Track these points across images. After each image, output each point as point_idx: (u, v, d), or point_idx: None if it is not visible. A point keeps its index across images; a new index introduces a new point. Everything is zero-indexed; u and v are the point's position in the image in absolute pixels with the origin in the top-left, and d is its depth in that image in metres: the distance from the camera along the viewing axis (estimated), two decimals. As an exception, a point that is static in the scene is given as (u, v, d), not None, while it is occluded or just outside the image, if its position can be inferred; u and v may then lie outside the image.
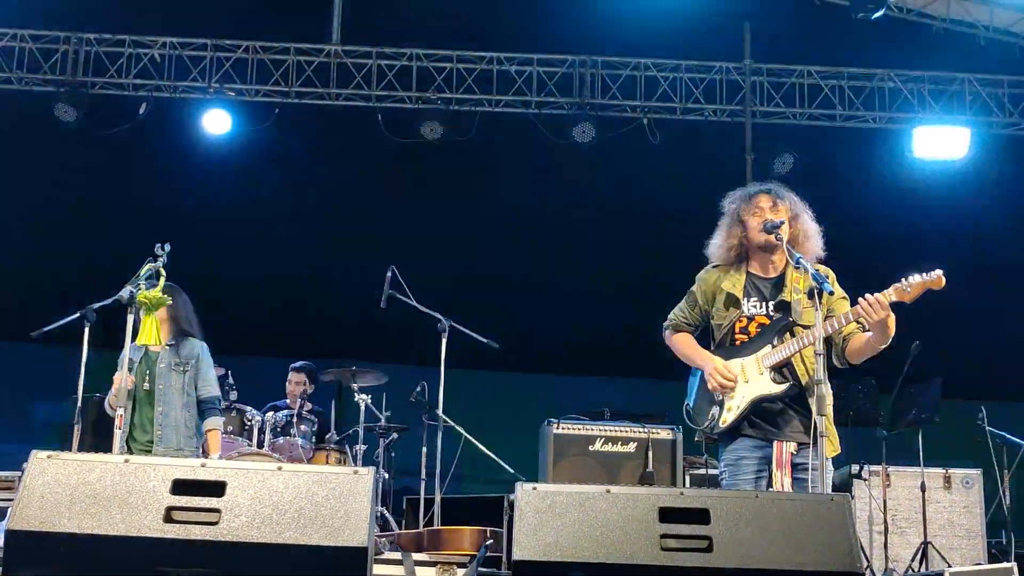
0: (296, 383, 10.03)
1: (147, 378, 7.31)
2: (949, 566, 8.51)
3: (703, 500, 3.82)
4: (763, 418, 5.28)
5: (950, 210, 12.81)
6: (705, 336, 5.66)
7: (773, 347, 5.30)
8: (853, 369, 5.59)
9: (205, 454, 7.49)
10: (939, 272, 5.14)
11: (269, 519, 3.64)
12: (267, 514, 3.65)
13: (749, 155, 12.88)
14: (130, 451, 7.06)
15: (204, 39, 12.75)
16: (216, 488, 3.70)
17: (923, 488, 9.26)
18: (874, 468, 9.58)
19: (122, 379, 6.22)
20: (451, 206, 13.17)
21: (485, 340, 8.65)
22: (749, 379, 5.28)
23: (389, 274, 8.70)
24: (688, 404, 5.55)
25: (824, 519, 3.80)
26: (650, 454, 8.21)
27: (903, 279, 5.18)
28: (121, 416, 5.88)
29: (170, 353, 7.42)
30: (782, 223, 5.38)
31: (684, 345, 5.63)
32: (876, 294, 5.13)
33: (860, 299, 5.16)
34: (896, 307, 5.16)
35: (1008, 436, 9.54)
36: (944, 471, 9.75)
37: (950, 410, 9.51)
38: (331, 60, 12.87)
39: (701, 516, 3.77)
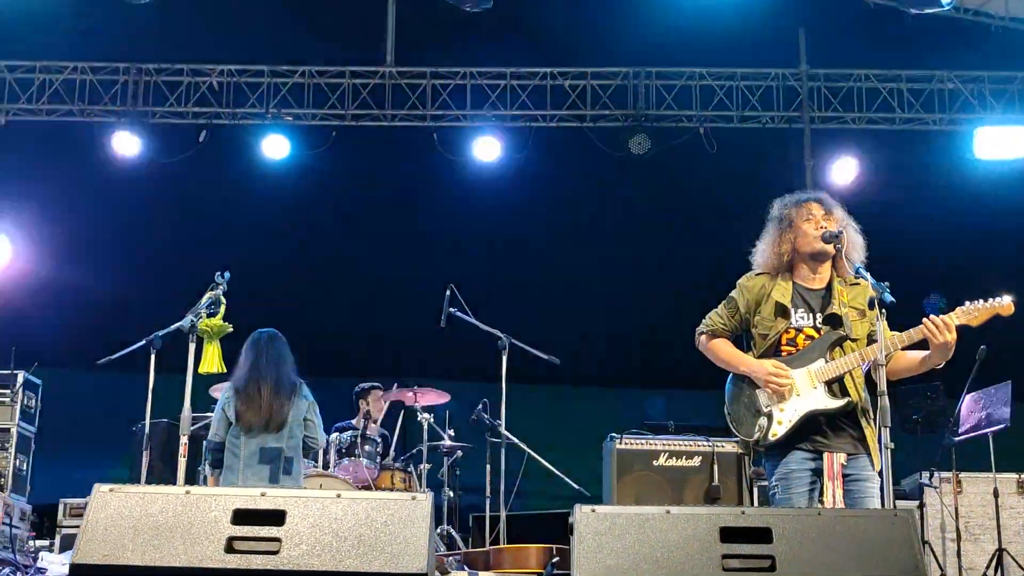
0: (376, 403, 10.07)
1: None
2: (1025, 574, 8.37)
3: (765, 519, 3.77)
4: (813, 431, 5.21)
5: (1014, 210, 12.60)
6: (738, 345, 5.57)
7: (827, 361, 5.22)
8: (921, 376, 5.51)
9: None
10: (1009, 299, 5.07)
11: (329, 547, 3.65)
12: (327, 542, 3.66)
13: (808, 161, 12.77)
14: None
15: (261, 65, 12.89)
16: (276, 517, 3.71)
17: (996, 494, 9.09)
18: (945, 475, 9.43)
19: (186, 408, 6.24)
20: (508, 222, 13.19)
21: (546, 357, 8.64)
22: (801, 392, 5.21)
23: (448, 292, 8.74)
24: (730, 416, 5.44)
25: (889, 534, 3.74)
26: (715, 468, 8.13)
27: (970, 303, 5.11)
28: (185, 444, 5.93)
29: None
30: (841, 233, 5.30)
31: (724, 351, 5.51)
32: (944, 316, 5.06)
33: (925, 319, 5.08)
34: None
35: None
36: (1018, 476, 9.58)
37: (1022, 414, 9.34)
38: (386, 82, 12.95)
39: (763, 535, 3.73)
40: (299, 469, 7.36)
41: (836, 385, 5.22)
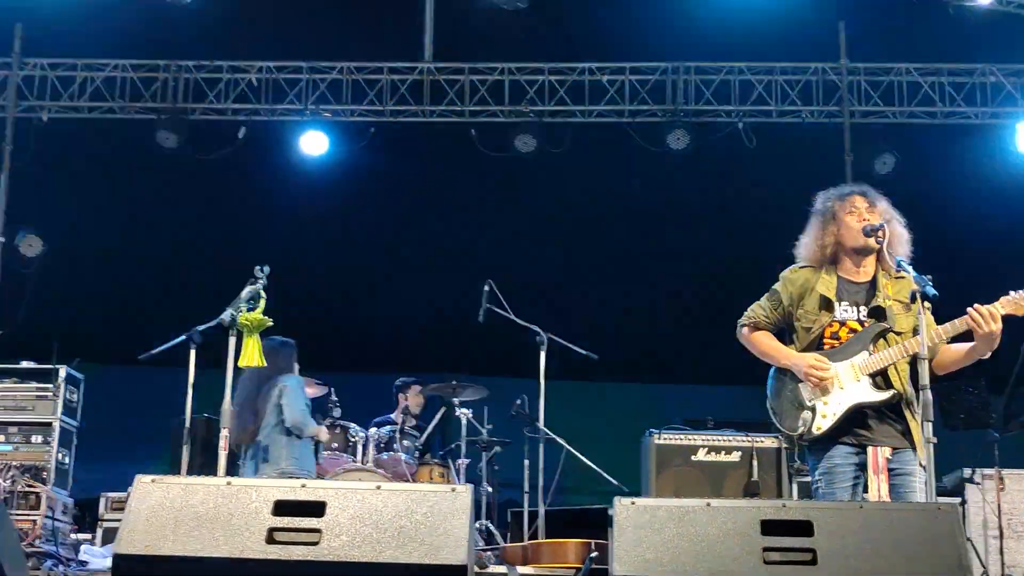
0: (415, 398, 10.12)
1: None
2: (1069, 571, 8.28)
3: (806, 512, 3.74)
4: (857, 424, 5.16)
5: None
6: (780, 338, 5.53)
7: (870, 354, 5.18)
8: (962, 371, 5.46)
9: None
10: None
11: (369, 538, 3.66)
12: (367, 533, 3.67)
13: (848, 156, 12.67)
14: None
15: (299, 62, 12.94)
16: (316, 508, 3.72)
17: (1039, 491, 9.01)
18: (987, 472, 9.34)
19: (226, 402, 6.27)
20: (548, 218, 13.18)
21: (584, 352, 8.63)
22: (845, 385, 5.17)
23: (487, 288, 8.74)
24: (773, 410, 5.40)
25: (932, 529, 3.71)
26: (755, 463, 8.11)
27: (1015, 292, 5.07)
28: (226, 438, 5.96)
29: None
30: (882, 226, 5.26)
31: (766, 343, 5.47)
32: (989, 306, 5.01)
33: (970, 309, 5.03)
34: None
35: None
36: (1061, 473, 9.48)
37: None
38: (424, 78, 12.97)
39: (804, 528, 3.70)
40: (277, 454, 7.99)
41: (880, 378, 5.18)
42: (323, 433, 8.60)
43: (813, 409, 5.21)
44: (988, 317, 4.99)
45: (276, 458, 7.94)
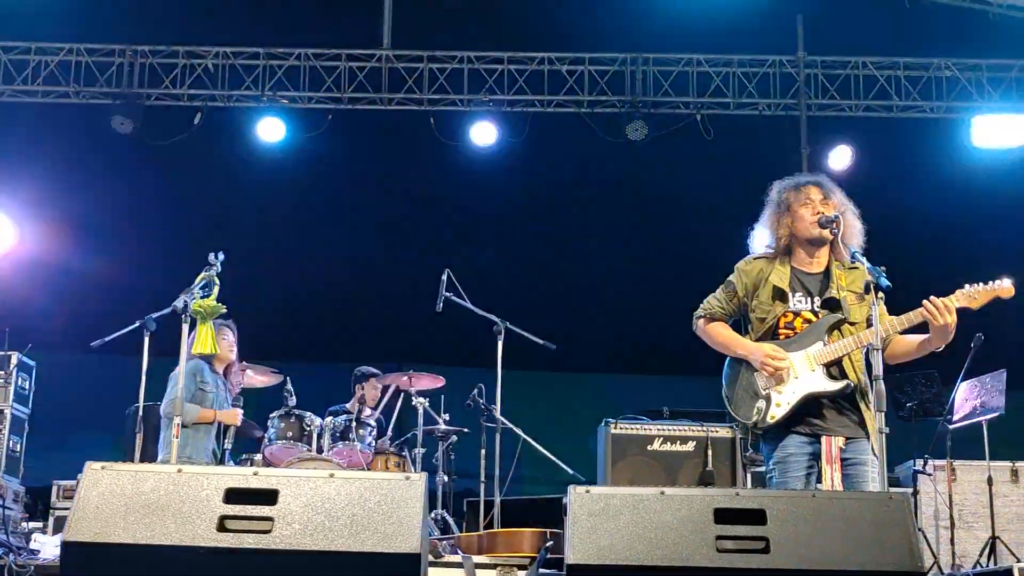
0: (373, 389, 10.07)
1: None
2: (1018, 560, 8.37)
3: (759, 500, 3.76)
4: (811, 414, 5.20)
5: (1011, 199, 12.59)
6: (736, 329, 5.56)
7: (824, 344, 5.21)
8: (916, 362, 5.51)
9: None
10: (1009, 282, 5.09)
11: (322, 526, 3.64)
12: (320, 521, 3.65)
13: (805, 149, 12.73)
14: None
15: (256, 48, 12.84)
16: (269, 496, 3.70)
17: (990, 482, 9.09)
18: (939, 462, 9.44)
19: (180, 389, 6.21)
20: (505, 207, 13.16)
21: (541, 342, 8.64)
22: (799, 375, 5.20)
23: (444, 277, 8.72)
24: (728, 399, 5.43)
25: (883, 518, 3.74)
26: (710, 453, 8.13)
27: (969, 285, 5.11)
28: (178, 426, 5.91)
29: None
30: (837, 218, 5.29)
31: (722, 335, 5.50)
32: (944, 298, 5.05)
33: (926, 301, 5.08)
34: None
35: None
36: (1011, 464, 9.58)
37: (1016, 402, 9.33)
38: (383, 65, 12.90)
39: (758, 517, 3.72)
40: (164, 442, 7.91)
41: (835, 368, 5.22)
42: (212, 416, 8.03)
43: (768, 398, 5.23)
44: (943, 309, 5.04)
45: (163, 446, 7.91)
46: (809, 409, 5.19)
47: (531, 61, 12.91)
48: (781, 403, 5.20)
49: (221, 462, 8.06)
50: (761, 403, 5.25)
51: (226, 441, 8.18)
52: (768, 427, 5.23)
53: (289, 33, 12.75)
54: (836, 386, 5.18)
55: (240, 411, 8.22)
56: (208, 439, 7.98)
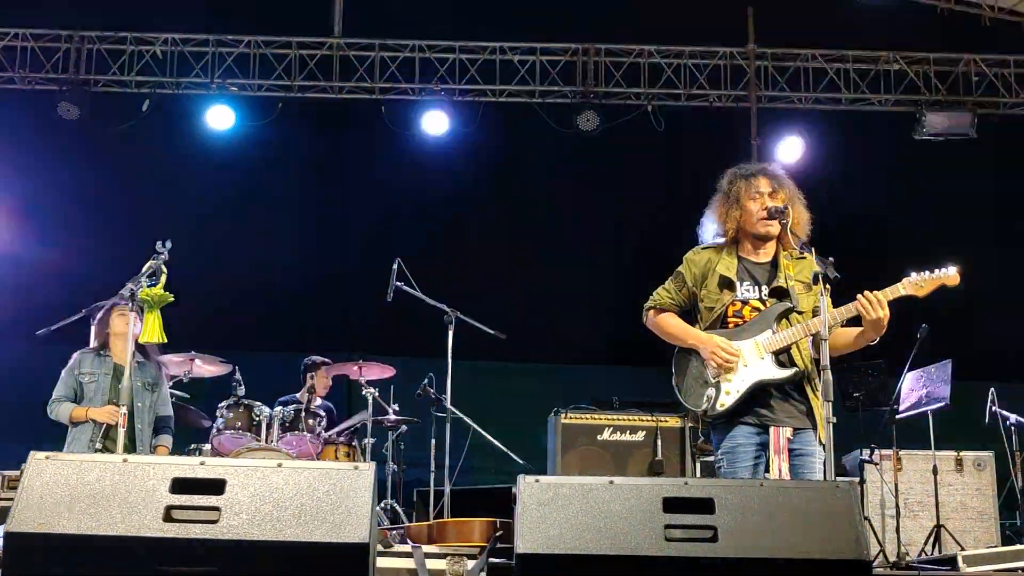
0: (322, 379, 10.03)
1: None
2: (962, 549, 8.47)
3: (707, 490, 3.79)
4: (760, 404, 5.23)
5: (954, 189, 12.75)
6: (686, 319, 5.59)
7: (773, 332, 5.25)
8: (862, 352, 5.55)
9: None
10: (954, 269, 5.14)
11: (270, 516, 3.62)
12: (267, 511, 3.62)
13: (755, 140, 12.81)
14: None
15: (206, 35, 12.72)
16: (216, 486, 3.67)
17: (935, 471, 9.21)
18: (885, 452, 9.54)
19: (129, 379, 6.14)
20: (456, 196, 13.13)
21: (492, 331, 8.63)
22: (748, 363, 5.23)
23: (395, 266, 8.69)
24: (677, 387, 5.45)
25: (830, 507, 3.77)
26: (659, 442, 8.19)
27: (916, 273, 5.16)
28: (124, 416, 5.85)
29: (140, 371, 7.42)
30: (786, 209, 5.33)
31: (672, 325, 5.53)
32: (876, 292, 5.11)
33: (860, 296, 5.13)
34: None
35: (1020, 418, 9.48)
36: (956, 454, 9.72)
37: (961, 392, 9.44)
38: (333, 53, 12.83)
39: (706, 506, 3.74)
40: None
41: (784, 356, 5.25)
42: (83, 414, 7.47)
43: (717, 386, 5.26)
44: (876, 303, 5.09)
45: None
46: (757, 399, 5.22)
47: (482, 51, 12.89)
48: (731, 391, 5.23)
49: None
50: (711, 391, 5.28)
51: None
52: (717, 416, 5.26)
53: (239, 20, 12.63)
54: (786, 374, 5.21)
55: (117, 409, 6.96)
56: (86, 436, 7.40)
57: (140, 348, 7.32)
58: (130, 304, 6.13)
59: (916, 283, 5.16)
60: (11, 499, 9.09)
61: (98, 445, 7.23)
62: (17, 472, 9.26)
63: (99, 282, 7.35)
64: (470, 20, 12.82)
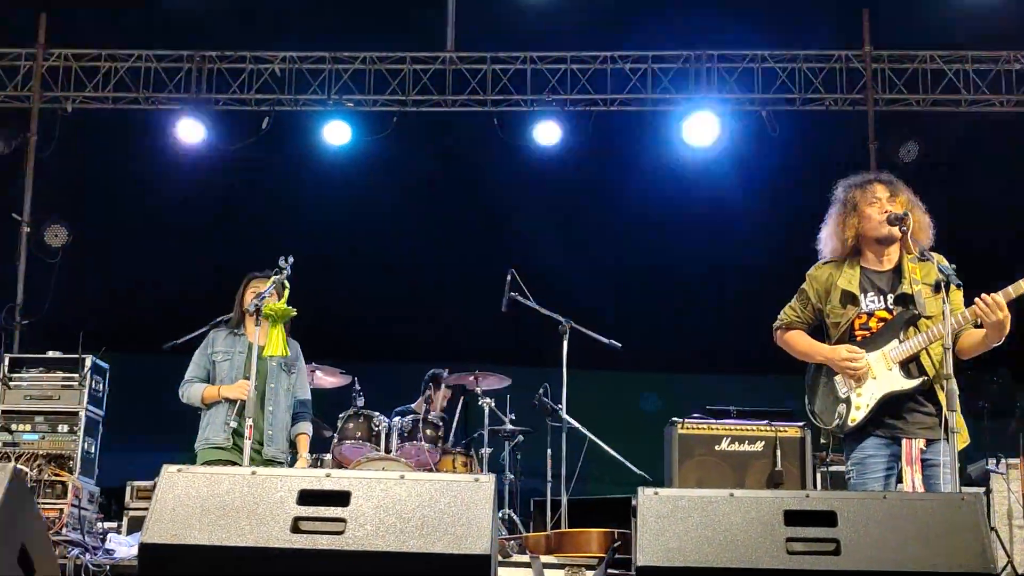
0: (445, 396, 10.15)
1: (257, 376, 6.55)
2: (1093, 560, 8.25)
3: (830, 502, 3.75)
4: (890, 415, 5.17)
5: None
6: (817, 335, 5.55)
7: (900, 341, 5.18)
8: (987, 360, 5.47)
9: (294, 459, 7.50)
10: None
11: (393, 528, 3.68)
12: (391, 523, 3.69)
13: (872, 144, 12.61)
14: (238, 449, 6.75)
15: (322, 52, 12.96)
16: (341, 498, 3.75)
17: (1064, 481, 8.97)
18: (1012, 461, 9.31)
19: (250, 390, 6.29)
20: (571, 206, 13.17)
21: (607, 341, 8.64)
22: (877, 375, 5.18)
23: (509, 277, 8.75)
24: (811, 407, 5.45)
25: (956, 519, 3.71)
26: (778, 452, 8.07)
27: None
28: (251, 427, 5.98)
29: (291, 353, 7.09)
30: (906, 215, 5.26)
31: (800, 342, 5.52)
32: (993, 294, 5.02)
33: (977, 299, 5.05)
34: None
35: None
36: (1086, 462, 9.45)
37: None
38: (446, 67, 12.97)
39: (828, 518, 3.71)
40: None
41: (912, 365, 5.18)
42: (216, 393, 7.15)
43: (847, 401, 5.24)
44: (993, 305, 5.01)
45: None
46: (888, 410, 5.17)
47: (594, 60, 12.90)
48: (861, 405, 5.19)
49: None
50: (842, 407, 5.26)
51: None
52: (850, 430, 5.22)
53: (354, 37, 12.84)
54: (913, 383, 5.15)
55: (247, 383, 6.61)
56: (220, 417, 7.09)
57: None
58: (256, 318, 6.25)
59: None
60: (140, 509, 9.39)
61: (232, 424, 6.85)
62: (145, 483, 9.56)
63: (224, 296, 7.52)
64: (580, 29, 12.86)
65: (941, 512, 3.73)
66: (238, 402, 6.88)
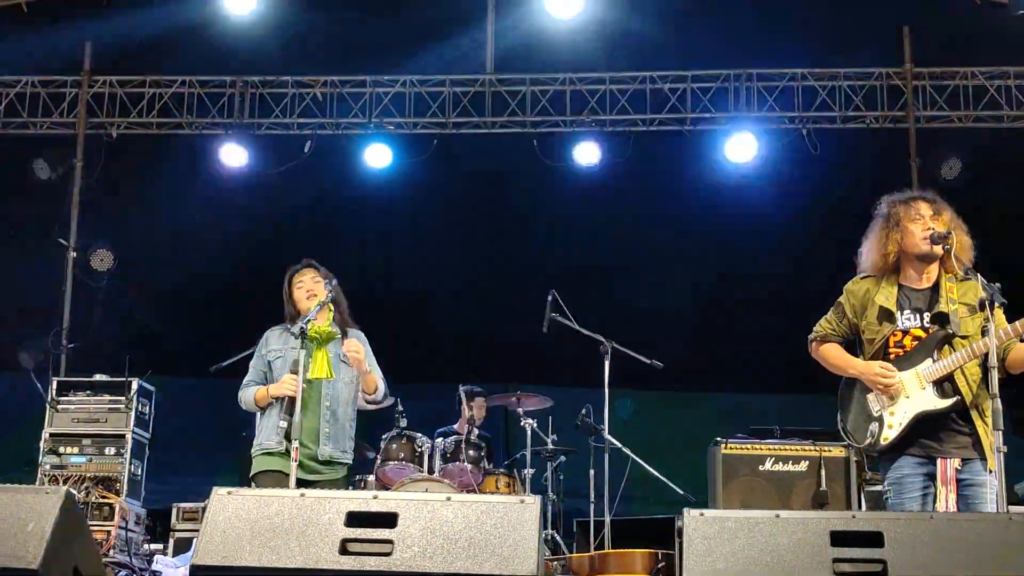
0: (480, 408, 10.17)
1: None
2: None
3: (876, 523, 3.75)
4: (924, 435, 5.13)
5: None
6: (851, 350, 5.52)
7: (934, 360, 5.15)
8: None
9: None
10: None
11: (440, 549, 3.71)
12: (438, 544, 3.72)
13: (914, 161, 12.56)
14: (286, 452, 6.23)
15: (363, 76, 13.07)
16: (388, 520, 3.78)
17: (1113, 499, 8.88)
18: (1059, 480, 9.22)
19: (299, 384, 6.20)
20: (611, 226, 13.18)
21: (648, 361, 8.64)
22: (910, 394, 5.14)
23: (550, 298, 8.77)
24: (843, 422, 5.41)
25: (1004, 539, 3.70)
26: (823, 472, 8.02)
27: None
28: (296, 449, 6.00)
29: (336, 343, 6.61)
30: (950, 234, 5.23)
31: (834, 355, 5.49)
32: None
33: None
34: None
35: None
36: None
37: None
38: (486, 89, 13.05)
39: (875, 539, 3.70)
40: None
41: (947, 384, 5.14)
42: (264, 395, 6.65)
43: (880, 420, 5.20)
44: None
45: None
46: (922, 430, 5.13)
47: (633, 80, 12.94)
48: (893, 424, 5.15)
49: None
50: (874, 425, 5.22)
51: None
52: (882, 449, 5.19)
53: (394, 60, 12.94)
54: (946, 403, 5.11)
55: (294, 376, 6.24)
56: (274, 419, 6.48)
57: (345, 320, 6.77)
58: (300, 342, 6.26)
59: None
60: (186, 530, 9.46)
61: (283, 424, 6.19)
62: (191, 504, 9.64)
63: (270, 318, 7.57)
64: (619, 50, 12.89)
65: (989, 532, 3.71)
66: (284, 400, 6.28)
